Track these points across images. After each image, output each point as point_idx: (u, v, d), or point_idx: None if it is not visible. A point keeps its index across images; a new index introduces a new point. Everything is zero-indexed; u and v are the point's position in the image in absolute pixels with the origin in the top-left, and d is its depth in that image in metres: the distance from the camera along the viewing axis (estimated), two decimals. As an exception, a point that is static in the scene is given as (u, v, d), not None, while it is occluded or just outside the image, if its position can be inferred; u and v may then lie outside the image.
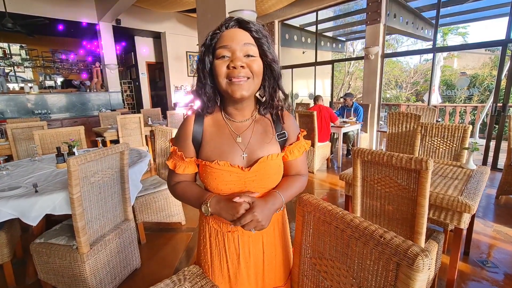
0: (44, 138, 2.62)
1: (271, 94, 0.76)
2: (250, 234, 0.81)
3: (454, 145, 2.16)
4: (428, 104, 4.82)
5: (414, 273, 0.52)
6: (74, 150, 2.09)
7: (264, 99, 0.77)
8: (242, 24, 0.71)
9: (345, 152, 4.95)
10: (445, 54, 8.82)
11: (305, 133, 0.88)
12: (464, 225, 1.39)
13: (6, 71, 7.21)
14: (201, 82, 0.74)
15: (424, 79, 10.68)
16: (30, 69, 8.16)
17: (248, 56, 0.69)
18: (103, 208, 1.60)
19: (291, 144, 0.83)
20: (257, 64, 0.70)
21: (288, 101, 0.82)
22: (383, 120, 6.46)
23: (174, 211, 2.38)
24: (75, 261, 1.46)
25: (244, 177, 0.75)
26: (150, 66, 8.34)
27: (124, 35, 7.57)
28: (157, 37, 7.83)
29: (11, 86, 7.16)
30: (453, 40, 10.44)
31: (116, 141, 4.13)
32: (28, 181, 1.74)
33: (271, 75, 0.74)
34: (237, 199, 0.69)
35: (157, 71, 8.92)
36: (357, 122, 4.49)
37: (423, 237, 1.26)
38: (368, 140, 5.05)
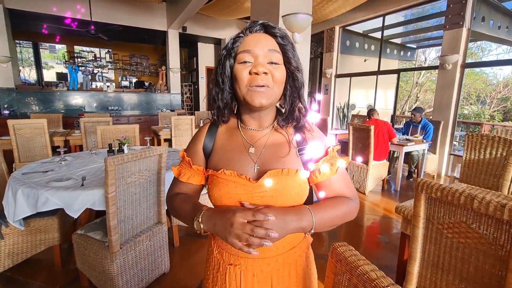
0: (105, 133, 2.87)
1: (293, 105, 0.69)
2: (256, 272, 0.67)
3: None
4: (523, 126, 3.91)
5: None
6: (124, 147, 2.21)
7: (284, 109, 0.69)
8: (268, 28, 0.65)
9: (406, 174, 4.33)
10: (550, 65, 7.18)
11: (338, 147, 0.71)
12: None
13: (95, 71, 8.78)
14: (218, 87, 0.67)
15: (517, 94, 8.91)
16: (113, 70, 9.55)
17: (272, 63, 0.63)
18: (136, 209, 1.61)
19: (318, 160, 0.68)
20: (280, 72, 0.64)
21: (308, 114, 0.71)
22: (457, 141, 5.52)
23: (209, 217, 2.34)
24: (105, 258, 1.49)
25: (252, 191, 0.64)
26: (209, 70, 8.79)
27: (188, 41, 8.14)
28: (218, 43, 8.20)
29: (98, 84, 8.58)
30: None
31: (169, 140, 4.38)
32: (79, 173, 1.88)
33: (293, 84, 0.67)
34: (246, 204, 0.61)
35: (216, 75, 9.35)
36: (424, 141, 3.88)
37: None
38: (437, 164, 4.33)
